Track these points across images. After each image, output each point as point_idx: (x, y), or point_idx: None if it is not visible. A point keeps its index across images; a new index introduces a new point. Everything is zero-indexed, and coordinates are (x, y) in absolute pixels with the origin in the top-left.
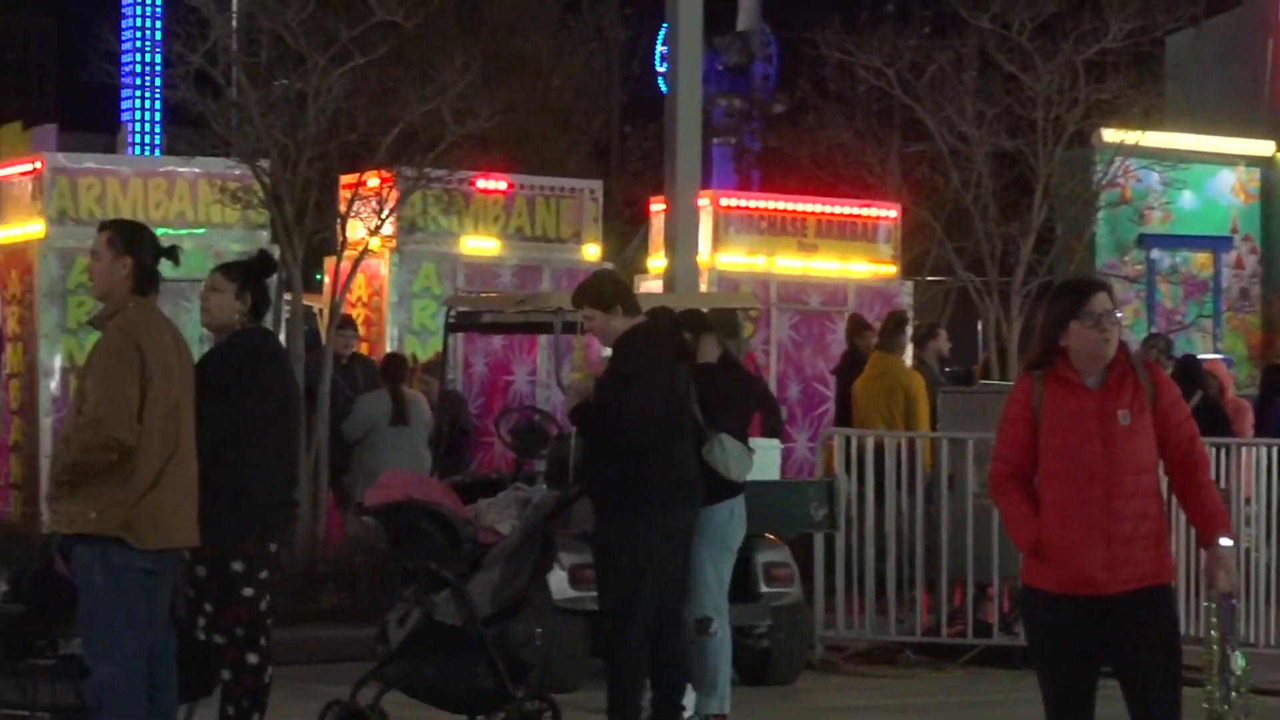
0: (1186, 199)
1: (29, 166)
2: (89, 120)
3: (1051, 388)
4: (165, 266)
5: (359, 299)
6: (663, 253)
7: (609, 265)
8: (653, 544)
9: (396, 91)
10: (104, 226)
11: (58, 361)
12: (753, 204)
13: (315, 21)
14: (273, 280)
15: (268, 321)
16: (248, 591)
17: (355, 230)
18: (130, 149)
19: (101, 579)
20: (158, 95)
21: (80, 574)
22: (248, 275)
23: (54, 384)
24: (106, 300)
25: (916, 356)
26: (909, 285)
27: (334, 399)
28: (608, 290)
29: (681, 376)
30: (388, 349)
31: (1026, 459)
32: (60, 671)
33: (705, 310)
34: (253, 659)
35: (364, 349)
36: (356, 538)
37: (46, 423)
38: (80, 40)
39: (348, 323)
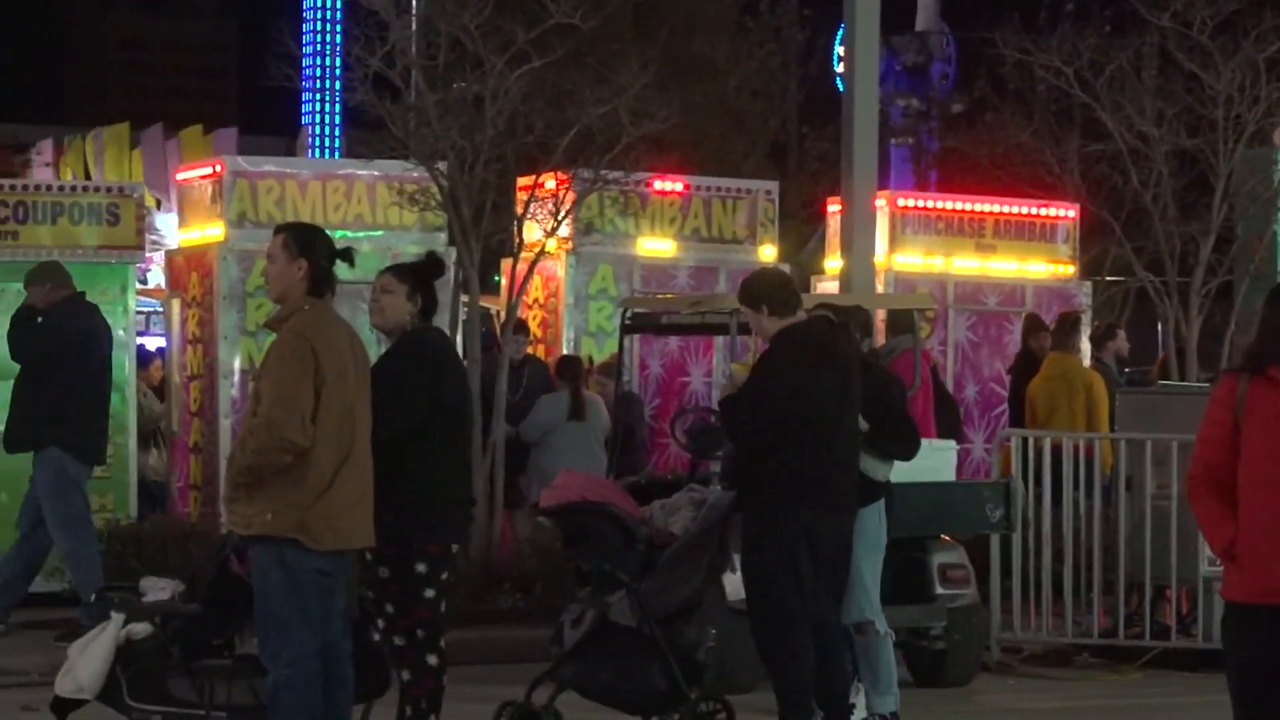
0: None
1: (209, 170)
2: (269, 123)
3: (1257, 389)
4: (342, 268)
5: (535, 301)
6: (839, 253)
7: (785, 266)
8: (782, 544)
9: (573, 93)
10: (279, 229)
11: (237, 363)
12: (930, 204)
13: (493, 24)
14: (449, 281)
15: (443, 323)
16: (429, 593)
17: (532, 232)
18: (310, 152)
19: (277, 579)
20: (337, 99)
21: (256, 574)
22: (418, 277)
23: (233, 386)
24: (282, 302)
25: (1095, 357)
26: (1087, 285)
27: None
28: (758, 290)
29: (828, 380)
30: (564, 351)
31: (1223, 460)
32: (236, 671)
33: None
34: (432, 660)
35: (540, 351)
36: (530, 539)
37: (226, 424)
38: (261, 45)
39: (520, 327)
